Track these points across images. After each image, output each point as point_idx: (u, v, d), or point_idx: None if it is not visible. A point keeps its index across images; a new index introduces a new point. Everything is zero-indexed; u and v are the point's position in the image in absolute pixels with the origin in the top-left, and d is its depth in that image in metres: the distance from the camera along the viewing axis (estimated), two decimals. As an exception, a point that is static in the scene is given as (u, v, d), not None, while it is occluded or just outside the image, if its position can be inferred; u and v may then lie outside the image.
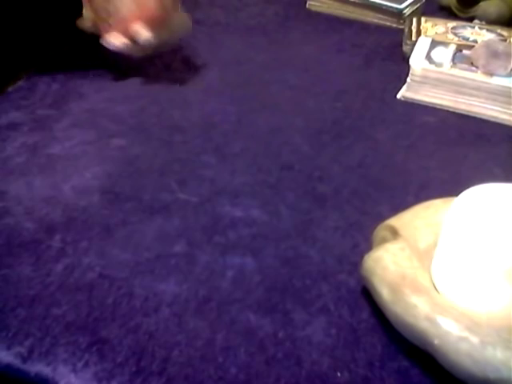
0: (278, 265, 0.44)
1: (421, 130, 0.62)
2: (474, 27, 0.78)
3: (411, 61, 0.66)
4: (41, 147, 0.53)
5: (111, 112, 0.59)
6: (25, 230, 0.45)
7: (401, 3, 0.85)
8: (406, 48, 0.74)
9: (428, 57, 0.66)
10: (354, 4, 0.86)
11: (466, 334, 0.34)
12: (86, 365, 0.36)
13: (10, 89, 0.61)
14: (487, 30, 0.77)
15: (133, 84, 0.64)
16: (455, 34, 0.75)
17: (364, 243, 0.45)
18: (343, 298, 0.42)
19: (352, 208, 0.50)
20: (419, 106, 0.66)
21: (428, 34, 0.75)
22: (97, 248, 0.44)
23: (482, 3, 0.86)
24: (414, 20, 0.79)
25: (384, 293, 0.38)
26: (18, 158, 0.52)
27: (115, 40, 0.58)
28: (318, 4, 0.88)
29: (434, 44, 0.69)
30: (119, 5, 0.58)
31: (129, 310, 0.39)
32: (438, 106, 0.66)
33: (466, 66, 0.65)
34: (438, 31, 0.76)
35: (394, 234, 0.41)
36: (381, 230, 0.43)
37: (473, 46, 0.67)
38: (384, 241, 0.42)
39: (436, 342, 0.34)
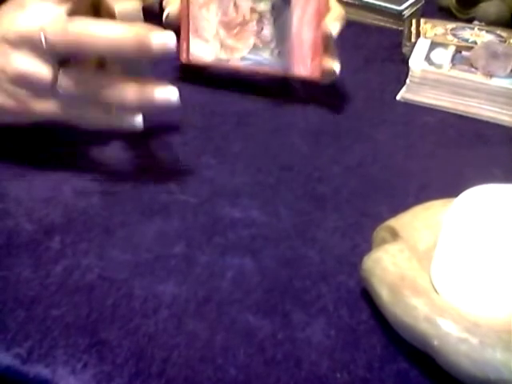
0: (278, 265, 0.44)
1: (420, 131, 0.62)
2: (473, 28, 0.78)
3: (410, 62, 0.66)
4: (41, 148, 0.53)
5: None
6: (24, 231, 0.45)
7: (400, 4, 0.85)
8: (405, 49, 0.74)
9: (427, 58, 0.66)
10: (353, 5, 0.86)
11: (465, 335, 0.34)
12: (85, 366, 0.36)
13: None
14: (487, 31, 0.77)
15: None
16: (454, 36, 0.75)
17: (364, 244, 0.45)
18: (343, 299, 0.42)
19: (352, 209, 0.50)
20: (419, 107, 0.66)
21: (427, 35, 0.75)
22: (96, 249, 0.44)
23: (481, 4, 0.86)
24: (414, 21, 0.79)
25: (383, 294, 0.38)
26: (18, 159, 0.52)
27: None
28: (317, 5, 0.88)
29: (434, 45, 0.69)
30: None
31: (128, 311, 0.39)
32: (438, 107, 0.66)
33: (465, 67, 0.65)
34: (438, 32, 0.76)
35: (394, 235, 0.41)
36: (380, 231, 0.43)
37: (472, 48, 0.67)
38: (383, 242, 0.42)
39: (435, 343, 0.34)
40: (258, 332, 0.39)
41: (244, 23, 0.61)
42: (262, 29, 0.60)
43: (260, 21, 0.60)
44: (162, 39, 0.44)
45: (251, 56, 0.62)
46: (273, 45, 0.61)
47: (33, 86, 0.46)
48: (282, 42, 0.60)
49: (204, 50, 0.64)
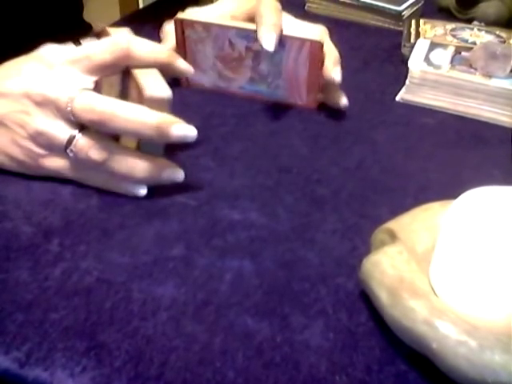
0: (277, 268, 0.44)
1: (420, 132, 0.62)
2: (472, 29, 0.78)
3: (410, 63, 0.66)
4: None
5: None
6: (23, 234, 0.45)
7: (400, 5, 0.85)
8: (404, 50, 0.74)
9: (427, 59, 0.66)
10: (353, 6, 0.86)
11: (464, 337, 0.34)
12: (84, 370, 0.36)
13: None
14: (486, 31, 0.77)
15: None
16: (454, 36, 0.75)
17: (363, 246, 0.45)
18: (341, 302, 0.41)
19: (351, 211, 0.50)
20: (418, 108, 0.66)
21: (427, 35, 0.75)
22: (95, 252, 0.44)
23: (480, 4, 0.86)
24: (413, 22, 0.79)
25: (382, 296, 0.37)
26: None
27: None
28: (316, 6, 0.88)
29: (433, 46, 0.69)
30: None
31: (127, 314, 0.39)
32: (437, 108, 0.66)
33: (464, 67, 0.65)
34: (437, 33, 0.76)
35: (393, 237, 0.41)
36: (379, 233, 0.43)
37: (471, 48, 0.67)
38: (382, 244, 0.42)
39: (434, 345, 0.34)
40: (257, 335, 0.39)
41: (240, 59, 0.62)
42: (259, 64, 0.61)
43: (256, 58, 0.61)
44: (182, 131, 0.46)
45: (248, 86, 0.63)
46: (269, 79, 0.62)
47: (48, 144, 0.47)
48: (278, 77, 0.62)
49: (202, 78, 0.64)
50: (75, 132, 0.46)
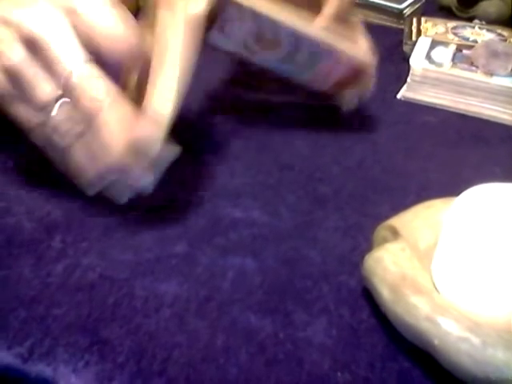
0: (279, 265, 0.44)
1: (421, 130, 0.62)
2: (473, 27, 0.78)
3: (411, 61, 0.66)
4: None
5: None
6: (25, 230, 0.45)
7: (401, 3, 0.85)
8: (406, 48, 0.74)
9: (428, 57, 0.67)
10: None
11: (466, 334, 0.34)
12: (87, 365, 0.36)
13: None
14: (487, 30, 0.77)
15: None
16: (455, 34, 0.75)
17: (364, 244, 0.45)
18: (344, 299, 0.42)
19: (352, 209, 0.50)
20: (419, 106, 0.66)
21: (428, 33, 0.75)
22: (97, 248, 0.44)
23: (481, 3, 0.86)
24: (414, 20, 0.79)
25: (384, 293, 0.38)
26: (19, 158, 0.52)
27: None
28: (317, 4, 0.88)
29: (434, 44, 0.69)
30: None
31: (129, 310, 0.39)
32: (439, 106, 0.66)
33: (466, 65, 0.65)
34: (438, 31, 0.76)
35: (395, 233, 0.41)
36: (381, 230, 0.43)
37: (473, 46, 0.68)
38: (384, 241, 0.42)
39: (436, 342, 0.34)
40: (260, 332, 0.39)
41: (277, 45, 0.56)
42: (296, 53, 0.57)
43: (295, 47, 0.56)
44: (136, 175, 0.42)
45: (274, 63, 0.58)
46: (299, 66, 0.58)
47: (27, 98, 0.41)
48: (309, 68, 0.59)
49: (224, 43, 0.57)
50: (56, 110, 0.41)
